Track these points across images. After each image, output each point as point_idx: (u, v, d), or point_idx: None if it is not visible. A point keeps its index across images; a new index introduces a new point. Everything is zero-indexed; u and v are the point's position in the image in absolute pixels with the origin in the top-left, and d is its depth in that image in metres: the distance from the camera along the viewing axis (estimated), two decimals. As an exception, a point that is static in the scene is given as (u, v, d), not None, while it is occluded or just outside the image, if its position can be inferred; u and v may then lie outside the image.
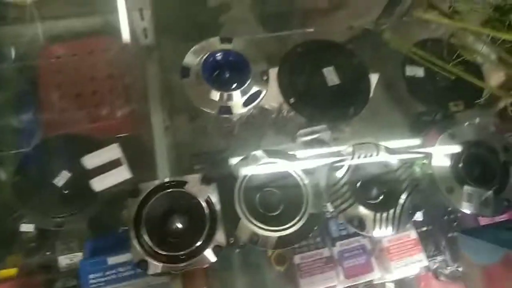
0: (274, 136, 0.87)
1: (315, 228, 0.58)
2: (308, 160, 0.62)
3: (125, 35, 0.77)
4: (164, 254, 0.52)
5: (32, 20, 0.98)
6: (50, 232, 0.82)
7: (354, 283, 0.76)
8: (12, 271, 0.71)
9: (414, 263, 0.73)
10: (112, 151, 0.63)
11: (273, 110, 0.80)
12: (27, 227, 0.82)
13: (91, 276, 0.69)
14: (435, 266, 0.82)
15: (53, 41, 1.02)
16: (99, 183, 0.62)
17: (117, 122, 0.93)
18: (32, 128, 0.92)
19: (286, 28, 0.81)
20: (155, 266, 0.52)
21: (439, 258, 0.79)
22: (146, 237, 0.52)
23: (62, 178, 0.75)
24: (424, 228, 0.78)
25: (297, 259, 0.75)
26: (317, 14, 0.95)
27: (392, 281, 1.00)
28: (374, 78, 0.78)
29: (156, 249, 0.52)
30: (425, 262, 0.73)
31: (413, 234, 0.75)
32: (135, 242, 0.52)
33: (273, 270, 0.76)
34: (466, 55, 0.72)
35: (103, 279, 0.69)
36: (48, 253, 0.78)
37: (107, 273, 0.69)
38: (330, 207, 0.60)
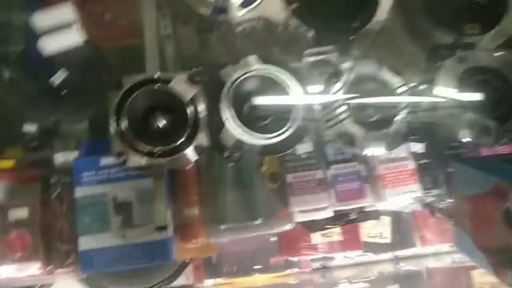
0: (280, 53, 0.84)
1: (302, 139, 0.56)
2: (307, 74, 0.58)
3: None
4: (145, 149, 0.52)
5: None
6: (52, 131, 0.83)
7: (345, 207, 0.76)
8: (9, 163, 0.72)
9: (408, 193, 0.72)
10: (66, 11, 0.59)
11: (278, 24, 0.75)
12: (29, 127, 0.83)
13: (84, 174, 0.70)
14: (429, 200, 0.81)
15: None
16: (49, 43, 0.59)
17: (119, 30, 0.90)
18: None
19: None
20: (135, 159, 0.51)
21: (435, 191, 0.77)
22: (127, 130, 0.51)
23: (59, 77, 0.74)
24: (424, 161, 0.75)
25: (289, 177, 0.75)
26: None
27: (388, 215, 1.02)
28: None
29: (137, 143, 0.52)
30: (419, 193, 0.72)
31: (411, 164, 0.73)
32: (115, 134, 0.51)
33: (265, 188, 0.76)
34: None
35: (95, 178, 0.70)
36: (47, 151, 0.80)
37: (100, 172, 0.70)
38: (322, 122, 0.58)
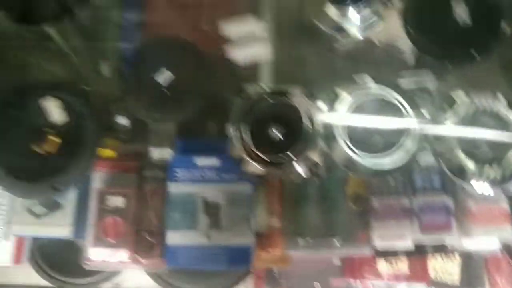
0: (374, 72, 0.84)
1: (413, 164, 0.56)
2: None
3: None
4: (261, 157, 0.54)
5: None
6: (143, 127, 0.88)
7: (428, 239, 0.75)
8: (111, 153, 0.77)
9: (498, 232, 0.70)
10: (253, 24, 0.63)
11: (380, 44, 0.76)
12: (122, 120, 0.88)
13: (178, 171, 0.73)
14: (516, 244, 0.78)
15: None
16: (236, 53, 0.64)
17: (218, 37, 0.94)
18: (135, 26, 0.96)
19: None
20: (251, 165, 0.54)
21: (525, 236, 0.74)
22: (246, 137, 0.54)
23: (164, 77, 0.78)
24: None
25: (374, 201, 0.75)
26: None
27: (460, 253, 0.98)
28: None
29: (254, 150, 0.54)
30: (509, 235, 0.69)
31: (504, 205, 0.71)
32: (236, 140, 0.54)
33: (348, 208, 0.77)
34: None
35: (188, 176, 0.73)
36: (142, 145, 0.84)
37: (193, 171, 0.73)
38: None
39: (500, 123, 0.59)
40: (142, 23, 0.96)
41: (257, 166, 0.53)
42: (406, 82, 0.74)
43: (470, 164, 0.59)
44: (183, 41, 0.81)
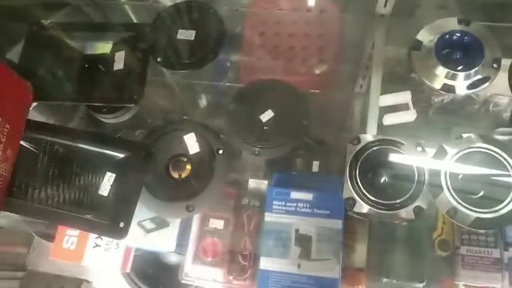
0: (466, 127, 0.87)
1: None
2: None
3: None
4: (371, 199, 0.59)
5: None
6: (235, 158, 0.95)
7: (517, 294, 0.74)
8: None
9: None
10: (404, 96, 0.73)
11: (478, 100, 0.79)
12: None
13: (275, 202, 0.80)
14: None
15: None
16: (388, 119, 0.72)
17: (310, 79, 1.02)
18: (230, 67, 1.06)
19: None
20: (361, 205, 0.59)
21: None
22: (358, 180, 0.59)
23: (266, 115, 0.86)
24: None
25: (463, 250, 0.76)
26: None
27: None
28: None
29: (364, 192, 0.59)
30: None
31: None
32: (348, 181, 0.59)
33: (434, 254, 0.78)
34: None
35: (284, 208, 0.79)
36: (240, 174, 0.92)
37: (288, 204, 0.79)
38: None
39: None
40: (239, 64, 1.07)
41: (367, 207, 0.58)
42: (502, 137, 0.77)
43: None
44: (284, 83, 0.89)
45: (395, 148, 0.60)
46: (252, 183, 0.86)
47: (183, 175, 0.72)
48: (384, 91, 0.90)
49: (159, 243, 0.81)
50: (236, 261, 0.80)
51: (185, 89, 1.12)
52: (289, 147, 0.83)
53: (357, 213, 0.59)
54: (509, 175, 0.60)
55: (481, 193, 0.61)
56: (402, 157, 0.60)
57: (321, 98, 0.99)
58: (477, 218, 0.59)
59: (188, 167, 0.72)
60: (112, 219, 0.64)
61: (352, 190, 0.59)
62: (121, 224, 0.65)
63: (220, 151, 0.72)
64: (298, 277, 0.75)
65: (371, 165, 0.61)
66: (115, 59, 0.81)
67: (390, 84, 0.86)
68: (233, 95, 0.90)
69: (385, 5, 0.73)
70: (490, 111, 0.79)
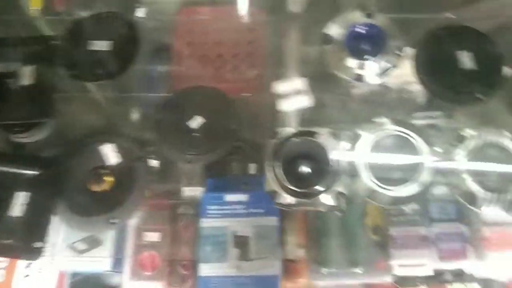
0: (389, 114, 0.91)
1: (427, 194, 0.62)
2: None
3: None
4: (293, 189, 0.61)
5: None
6: (173, 167, 0.95)
7: (446, 267, 0.79)
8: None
9: (513, 258, 0.73)
10: (299, 82, 0.76)
11: (393, 88, 0.84)
12: (153, 163, 0.96)
13: (210, 207, 0.80)
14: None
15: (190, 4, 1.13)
16: (284, 105, 0.76)
17: (239, 84, 1.03)
18: (163, 77, 1.05)
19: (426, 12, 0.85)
20: (283, 197, 0.60)
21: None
22: (279, 173, 0.61)
23: (195, 122, 0.86)
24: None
25: (393, 231, 0.79)
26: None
27: (479, 282, 1.00)
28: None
29: (286, 184, 0.61)
30: (525, 260, 0.73)
31: (517, 231, 0.75)
32: (269, 175, 0.61)
33: (367, 238, 0.81)
34: None
35: (219, 212, 0.79)
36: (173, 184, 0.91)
37: (224, 207, 0.79)
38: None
39: (505, 155, 0.65)
40: (169, 74, 1.06)
41: (290, 198, 0.60)
42: (419, 121, 0.82)
43: (480, 193, 0.65)
44: (212, 89, 0.89)
45: (312, 139, 0.63)
46: (186, 191, 0.85)
47: (104, 188, 0.70)
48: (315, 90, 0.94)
49: (93, 263, 0.78)
50: (176, 272, 0.78)
51: (115, 103, 1.09)
52: (220, 152, 0.83)
53: (282, 205, 0.60)
54: (419, 154, 0.64)
55: (396, 174, 0.64)
56: (320, 146, 0.62)
57: (253, 101, 1.00)
58: (394, 197, 0.62)
59: (109, 179, 0.71)
60: (25, 240, 0.62)
61: (273, 183, 0.60)
62: (36, 244, 0.62)
63: (142, 160, 0.71)
64: (238, 279, 0.75)
65: (290, 156, 0.63)
66: (24, 74, 0.78)
67: (319, 82, 0.89)
68: (159, 104, 0.89)
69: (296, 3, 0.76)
70: (407, 98, 0.84)
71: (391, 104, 0.89)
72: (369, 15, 0.74)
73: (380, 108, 0.90)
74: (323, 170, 0.62)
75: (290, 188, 0.60)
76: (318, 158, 0.63)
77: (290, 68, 0.72)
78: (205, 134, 0.84)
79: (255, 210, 0.77)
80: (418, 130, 0.65)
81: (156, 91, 1.03)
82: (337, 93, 0.82)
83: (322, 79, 0.85)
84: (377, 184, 0.62)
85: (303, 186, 0.60)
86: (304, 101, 0.74)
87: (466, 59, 0.73)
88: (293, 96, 0.74)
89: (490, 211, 0.64)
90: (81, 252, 0.78)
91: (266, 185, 0.62)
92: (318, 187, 0.60)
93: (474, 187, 0.64)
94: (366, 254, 0.81)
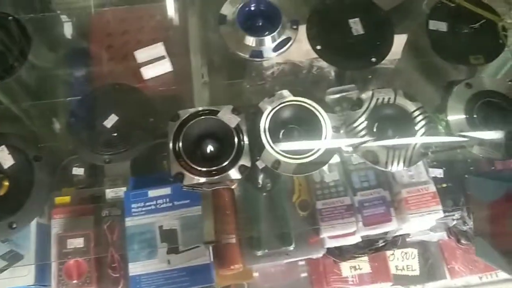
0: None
1: (330, 159, 0.63)
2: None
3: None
4: (198, 169, 0.60)
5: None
6: (97, 173, 0.92)
7: (372, 232, 0.81)
8: (66, 199, 0.81)
9: (430, 214, 0.77)
10: (158, 49, 0.78)
11: (304, 66, 0.85)
12: (78, 171, 0.93)
13: (133, 205, 0.78)
14: (453, 223, 0.85)
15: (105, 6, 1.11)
16: (147, 71, 0.78)
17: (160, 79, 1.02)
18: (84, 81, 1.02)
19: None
20: (190, 178, 0.59)
21: (457, 215, 0.82)
22: (183, 154, 0.60)
23: (110, 121, 0.84)
24: (444, 185, 0.81)
25: (319, 204, 0.80)
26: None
27: (415, 247, 1.05)
28: (402, 38, 0.81)
29: (191, 164, 0.60)
30: (441, 214, 0.77)
31: (431, 187, 0.79)
32: (173, 158, 0.60)
33: (297, 215, 0.82)
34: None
35: (143, 209, 0.77)
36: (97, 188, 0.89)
37: (148, 203, 0.78)
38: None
39: (400, 112, 0.68)
40: (90, 77, 1.03)
41: (196, 178, 0.59)
42: (333, 96, 0.84)
43: (381, 151, 0.67)
44: (125, 86, 0.87)
45: (213, 117, 0.62)
46: (110, 192, 0.82)
47: (1, 192, 0.66)
48: (229, 76, 0.94)
49: (16, 279, 0.74)
50: (106, 275, 0.76)
51: (38, 114, 1.05)
52: (139, 148, 0.81)
53: (190, 186, 0.59)
54: (319, 121, 0.65)
55: (300, 141, 0.65)
56: (220, 124, 0.62)
57: (175, 94, 0.99)
58: (299, 165, 0.63)
59: (5, 182, 0.67)
60: None
61: (179, 165, 0.60)
62: None
63: (38, 160, 0.68)
64: (170, 273, 0.74)
65: (193, 136, 0.63)
66: None
67: (234, 69, 0.89)
68: (70, 108, 0.86)
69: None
70: (316, 74, 0.85)
71: (307, 81, 0.91)
72: None
73: (299, 86, 0.92)
74: (226, 146, 0.62)
75: (194, 168, 0.59)
76: (220, 135, 0.63)
77: (193, 54, 0.71)
78: (122, 132, 0.81)
79: (179, 202, 0.76)
80: (320, 100, 0.66)
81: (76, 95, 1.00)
82: (251, 76, 0.83)
83: (236, 63, 0.85)
84: (281, 154, 0.62)
85: (207, 164, 0.60)
86: (165, 66, 0.77)
87: (357, 26, 0.75)
88: (154, 62, 0.75)
89: (393, 168, 0.66)
90: (2, 270, 0.74)
91: (171, 169, 0.61)
92: (221, 164, 0.60)
93: (374, 146, 0.66)
94: (297, 231, 0.82)
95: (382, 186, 0.82)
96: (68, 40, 1.10)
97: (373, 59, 0.74)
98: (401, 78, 0.87)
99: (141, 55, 0.79)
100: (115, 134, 0.83)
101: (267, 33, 0.73)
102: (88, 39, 1.07)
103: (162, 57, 0.79)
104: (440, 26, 0.77)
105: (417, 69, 0.86)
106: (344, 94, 0.84)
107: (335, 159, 0.79)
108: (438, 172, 0.80)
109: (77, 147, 0.84)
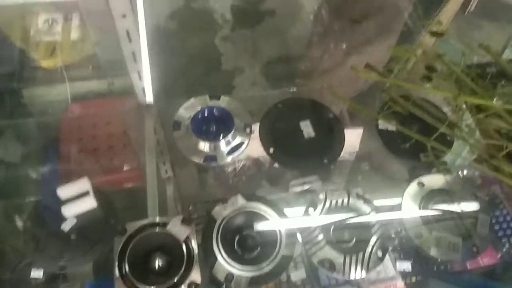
0: (269, 186, 0.93)
1: (286, 268, 0.61)
2: (287, 205, 0.67)
3: (139, 95, 0.85)
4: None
5: (61, 81, 1.09)
6: (57, 277, 0.88)
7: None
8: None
9: (401, 312, 0.74)
10: (83, 184, 0.76)
11: (265, 161, 0.86)
12: (36, 274, 0.88)
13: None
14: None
15: (76, 100, 1.13)
16: (69, 210, 0.76)
17: (126, 174, 1.02)
18: (53, 178, 1.01)
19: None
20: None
21: (429, 310, 0.79)
22: (128, 273, 0.57)
23: (68, 224, 0.81)
24: (413, 279, 0.79)
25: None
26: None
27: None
28: (358, 133, 0.84)
29: (137, 284, 0.57)
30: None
31: (399, 283, 0.76)
32: (117, 277, 0.57)
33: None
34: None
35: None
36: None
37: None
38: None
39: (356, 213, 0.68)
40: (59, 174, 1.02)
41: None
42: (296, 188, 0.84)
43: (337, 257, 0.65)
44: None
45: (163, 230, 0.61)
46: (67, 300, 0.77)
47: None
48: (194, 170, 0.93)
49: None
50: None
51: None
52: (98, 251, 0.78)
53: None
54: (273, 228, 0.64)
55: (255, 251, 0.64)
56: (170, 237, 0.60)
57: (135, 192, 0.98)
58: (253, 277, 0.61)
59: None
60: None
61: (124, 285, 0.57)
62: None
63: None
64: None
65: (141, 251, 0.60)
66: None
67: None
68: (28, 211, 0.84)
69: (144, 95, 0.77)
70: (279, 168, 0.86)
71: (269, 174, 0.91)
72: (215, 97, 0.77)
73: (264, 180, 0.92)
74: (176, 260, 0.59)
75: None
76: (168, 250, 0.60)
77: (148, 156, 0.71)
78: (79, 235, 0.79)
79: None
80: (272, 203, 0.66)
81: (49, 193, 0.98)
82: (214, 171, 0.82)
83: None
84: (236, 268, 0.60)
85: (155, 282, 0.57)
86: (88, 203, 0.75)
87: (307, 129, 0.77)
88: (77, 199, 0.74)
89: (352, 275, 0.64)
90: None
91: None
92: (170, 281, 0.57)
93: (330, 252, 0.64)
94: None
95: (350, 283, 0.79)
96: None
97: (326, 161, 0.75)
98: (361, 168, 0.88)
99: (63, 191, 0.78)
100: (73, 238, 0.80)
101: (221, 137, 0.74)
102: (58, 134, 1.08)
103: (86, 193, 0.78)
104: (389, 126, 0.80)
105: (376, 159, 0.87)
106: (307, 186, 0.84)
107: (302, 255, 0.78)
108: (406, 266, 0.78)
109: (33, 251, 0.81)
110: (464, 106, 0.64)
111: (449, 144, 0.78)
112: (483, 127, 0.62)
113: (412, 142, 0.77)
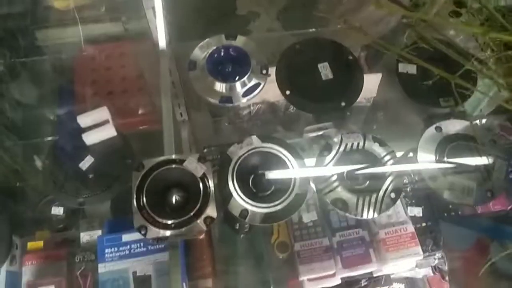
0: (284, 131, 0.93)
1: (300, 206, 0.62)
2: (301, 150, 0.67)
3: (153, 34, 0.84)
4: (162, 222, 0.59)
5: (74, 23, 1.07)
6: (77, 213, 0.91)
7: (352, 273, 0.79)
8: (39, 244, 0.79)
9: (410, 256, 0.75)
10: (102, 113, 0.78)
11: (280, 105, 0.85)
12: (57, 210, 0.92)
13: (107, 250, 0.76)
14: (435, 262, 0.83)
15: (89, 43, 1.12)
16: (89, 137, 0.77)
17: (141, 117, 1.02)
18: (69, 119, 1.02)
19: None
20: (154, 231, 0.58)
21: (438, 254, 0.80)
22: (146, 206, 0.59)
23: (86, 162, 0.83)
24: (424, 224, 0.80)
25: (297, 246, 0.79)
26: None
27: (402, 282, 1.03)
28: (377, 77, 0.82)
29: (155, 217, 0.59)
30: (421, 256, 0.75)
31: (410, 227, 0.78)
32: (136, 210, 0.58)
33: (275, 257, 0.81)
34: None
35: (117, 254, 0.76)
36: (73, 230, 0.87)
37: (121, 248, 0.76)
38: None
39: (370, 158, 0.68)
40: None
41: (160, 231, 0.58)
42: (311, 134, 0.83)
43: (350, 198, 0.66)
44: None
45: (180, 166, 0.61)
46: (85, 236, 0.81)
47: None
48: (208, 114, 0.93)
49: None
50: (78, 324, 0.73)
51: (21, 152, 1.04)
52: (116, 190, 0.80)
53: (156, 239, 0.58)
54: (288, 168, 0.64)
55: (269, 190, 0.64)
56: (186, 173, 0.61)
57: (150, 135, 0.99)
58: (267, 214, 0.62)
59: None
60: None
61: (142, 217, 0.58)
62: None
63: None
64: (144, 321, 0.71)
65: (158, 187, 0.61)
66: None
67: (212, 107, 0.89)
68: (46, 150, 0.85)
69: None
70: (294, 113, 0.85)
71: (285, 119, 0.91)
72: (231, 37, 0.75)
73: (277, 125, 0.92)
74: (192, 196, 0.61)
75: (158, 221, 0.58)
76: (186, 185, 0.62)
77: (164, 97, 0.71)
78: (98, 174, 0.81)
79: (154, 247, 0.75)
80: (288, 145, 0.66)
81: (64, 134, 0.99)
82: (229, 115, 0.82)
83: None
84: (251, 204, 0.61)
85: (172, 216, 0.59)
86: (109, 131, 0.77)
87: (325, 71, 0.75)
88: (97, 127, 0.75)
89: (364, 215, 0.65)
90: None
91: (134, 221, 0.60)
92: (187, 215, 0.59)
93: (343, 193, 0.65)
94: (276, 274, 0.80)
95: (360, 226, 0.81)
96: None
97: (343, 104, 0.74)
98: (377, 117, 0.87)
99: (83, 119, 0.79)
100: (91, 176, 0.82)
101: (237, 78, 0.73)
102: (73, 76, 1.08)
103: (105, 122, 0.79)
104: (409, 68, 0.77)
105: (393, 108, 0.86)
106: (321, 132, 0.84)
107: (314, 199, 0.79)
108: (417, 211, 0.79)
109: (52, 189, 0.83)
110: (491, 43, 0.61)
111: (473, 84, 0.76)
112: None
113: (432, 86, 0.75)
